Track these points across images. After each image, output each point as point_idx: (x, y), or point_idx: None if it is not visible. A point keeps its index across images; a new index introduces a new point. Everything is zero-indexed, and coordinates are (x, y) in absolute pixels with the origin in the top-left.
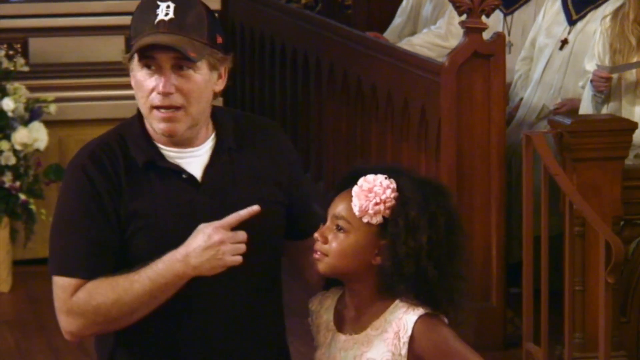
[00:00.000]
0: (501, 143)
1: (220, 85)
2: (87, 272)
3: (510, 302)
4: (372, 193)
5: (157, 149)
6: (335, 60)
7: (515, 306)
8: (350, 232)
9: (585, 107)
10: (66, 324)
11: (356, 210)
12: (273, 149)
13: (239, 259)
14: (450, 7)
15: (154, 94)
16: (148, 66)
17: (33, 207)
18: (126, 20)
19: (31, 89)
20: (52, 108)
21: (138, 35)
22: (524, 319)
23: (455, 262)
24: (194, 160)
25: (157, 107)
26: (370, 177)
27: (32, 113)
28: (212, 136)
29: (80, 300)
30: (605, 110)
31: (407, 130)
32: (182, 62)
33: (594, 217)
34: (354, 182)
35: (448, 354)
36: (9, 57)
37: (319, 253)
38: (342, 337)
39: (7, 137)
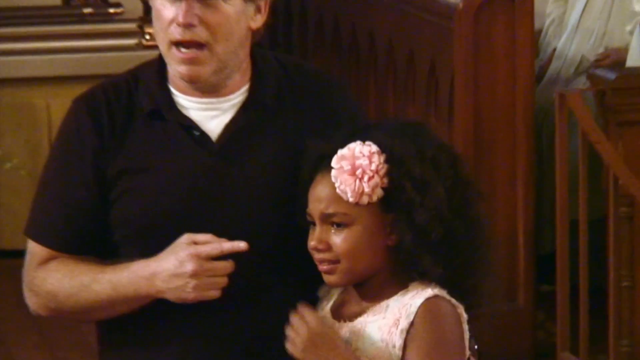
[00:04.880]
0: (529, 104)
1: (258, 22)
2: (57, 241)
3: (541, 303)
4: (359, 169)
5: (170, 95)
6: (324, 5)
7: (547, 307)
8: (352, 224)
9: (635, 58)
10: (25, 296)
11: (349, 196)
12: (325, 110)
13: (215, 294)
14: None
15: (173, 26)
16: None
17: None
18: None
19: None
20: None
21: None
22: (558, 323)
23: (471, 201)
24: (217, 115)
25: (177, 44)
26: (344, 151)
27: None
28: (247, 86)
29: (37, 279)
30: None
31: (412, 89)
32: None
33: None
34: (322, 169)
35: (433, 347)
36: None
37: (326, 264)
38: (335, 325)
39: None
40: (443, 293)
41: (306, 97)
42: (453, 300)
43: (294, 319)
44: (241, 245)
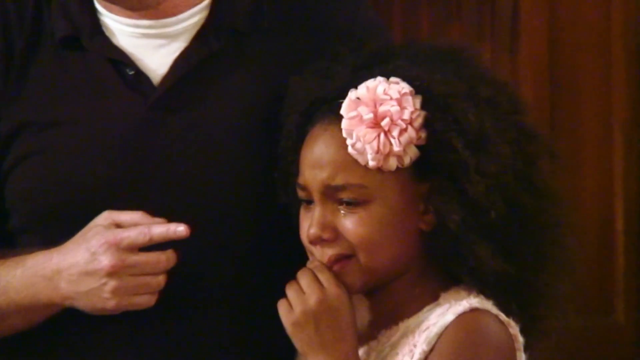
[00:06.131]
0: (630, 21)
1: None
2: None
3: None
4: (385, 119)
5: (95, 16)
6: None
7: None
8: (371, 200)
9: None
10: None
11: (369, 159)
12: (329, 32)
13: (145, 301)
14: None
15: None
16: None
17: None
18: None
19: None
20: None
21: None
22: None
23: (540, 163)
24: (162, 44)
25: None
26: (360, 92)
27: None
28: (208, 1)
29: None
30: None
31: (457, 2)
32: None
33: None
34: (320, 119)
35: None
36: None
37: (337, 263)
38: None
39: None
40: (486, 305)
41: (298, 15)
42: (502, 316)
43: (305, 274)
44: (180, 229)
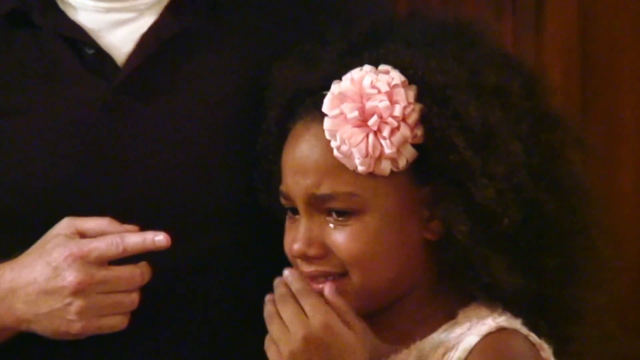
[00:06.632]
0: None
1: None
2: None
3: None
4: (372, 116)
5: None
6: None
7: None
8: (364, 210)
9: None
10: None
11: (358, 164)
12: (323, 8)
13: (117, 323)
14: None
15: None
16: None
17: None
18: None
19: None
20: None
21: None
22: None
23: (565, 156)
24: (127, 20)
25: None
26: (344, 85)
27: None
28: None
29: None
30: None
31: None
32: None
33: None
34: (303, 115)
35: None
36: None
37: (324, 282)
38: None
39: None
40: (515, 324)
41: None
42: (532, 336)
43: (286, 305)
44: (159, 238)
